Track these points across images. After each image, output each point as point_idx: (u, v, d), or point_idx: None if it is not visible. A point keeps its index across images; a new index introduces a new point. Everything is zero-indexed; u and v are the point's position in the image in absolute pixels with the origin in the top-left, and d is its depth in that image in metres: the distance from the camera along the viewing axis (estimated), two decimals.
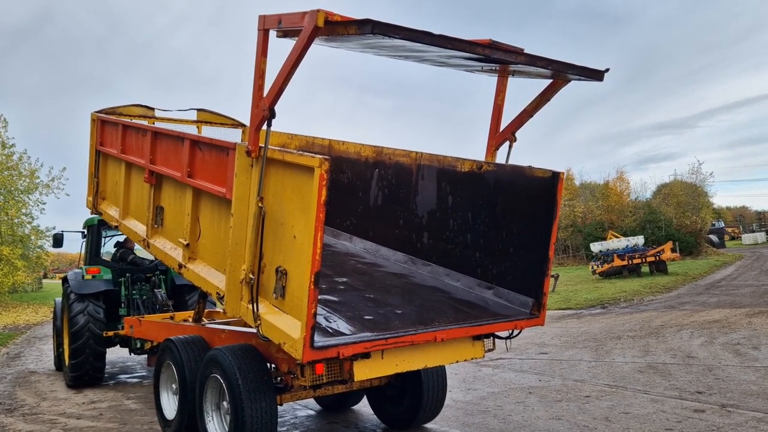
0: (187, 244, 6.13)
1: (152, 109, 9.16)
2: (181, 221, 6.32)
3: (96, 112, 8.81)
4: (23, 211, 30.81)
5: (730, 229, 72.60)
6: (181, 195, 6.38)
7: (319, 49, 4.83)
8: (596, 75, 5.21)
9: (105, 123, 8.60)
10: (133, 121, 8.61)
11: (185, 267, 6.17)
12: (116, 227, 8.29)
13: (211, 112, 9.81)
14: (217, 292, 5.52)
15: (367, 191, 7.47)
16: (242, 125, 9.89)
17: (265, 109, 4.72)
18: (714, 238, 55.28)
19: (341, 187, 7.69)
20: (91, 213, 9.60)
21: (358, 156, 7.54)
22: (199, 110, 9.62)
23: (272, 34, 4.77)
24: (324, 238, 4.37)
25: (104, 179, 8.71)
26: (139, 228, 7.41)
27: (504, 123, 6.17)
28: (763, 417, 6.41)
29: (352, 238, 7.62)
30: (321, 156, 4.27)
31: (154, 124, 8.82)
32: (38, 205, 31.75)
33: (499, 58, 4.71)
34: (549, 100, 5.77)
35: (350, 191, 7.63)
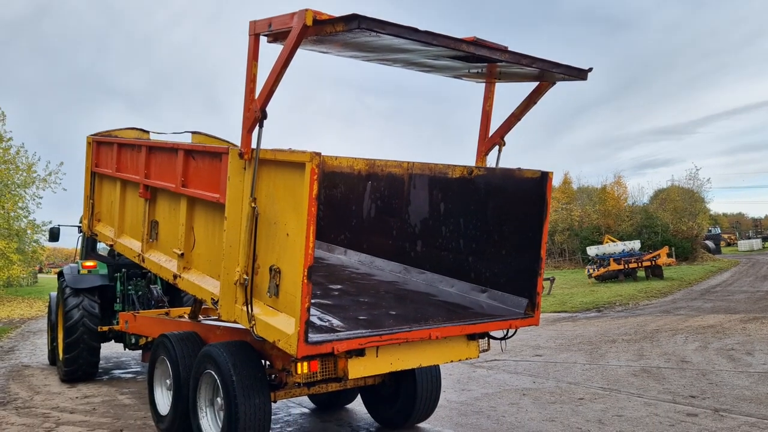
0: (182, 254, 6.18)
1: (147, 132, 9.21)
2: (176, 232, 6.38)
3: (91, 135, 8.98)
4: (20, 204, 30.74)
5: (726, 236, 72.86)
6: (175, 206, 6.46)
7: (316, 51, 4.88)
8: (580, 74, 5.28)
9: (100, 144, 8.75)
10: None
11: (180, 277, 6.21)
12: (111, 246, 8.38)
13: (206, 135, 9.85)
14: (212, 297, 5.55)
15: (360, 204, 7.50)
16: (237, 147, 9.94)
17: (256, 111, 4.81)
18: (710, 244, 55.47)
19: (335, 202, 7.72)
20: (87, 236, 9.71)
21: (350, 170, 7.56)
22: (193, 133, 9.66)
23: (263, 40, 4.84)
24: (318, 251, 4.41)
25: (99, 201, 8.85)
26: (134, 245, 7.50)
27: (493, 128, 6.24)
28: (755, 422, 6.43)
29: (347, 251, 7.67)
30: (312, 151, 4.31)
31: None
32: (35, 199, 31.74)
33: (483, 55, 4.75)
34: (536, 103, 5.85)
35: (344, 205, 7.67)
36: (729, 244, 69.93)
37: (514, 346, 12.26)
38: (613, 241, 36.61)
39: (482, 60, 4.99)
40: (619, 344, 12.17)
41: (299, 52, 4.51)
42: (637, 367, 9.74)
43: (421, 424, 6.73)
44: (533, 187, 5.61)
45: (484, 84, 6.27)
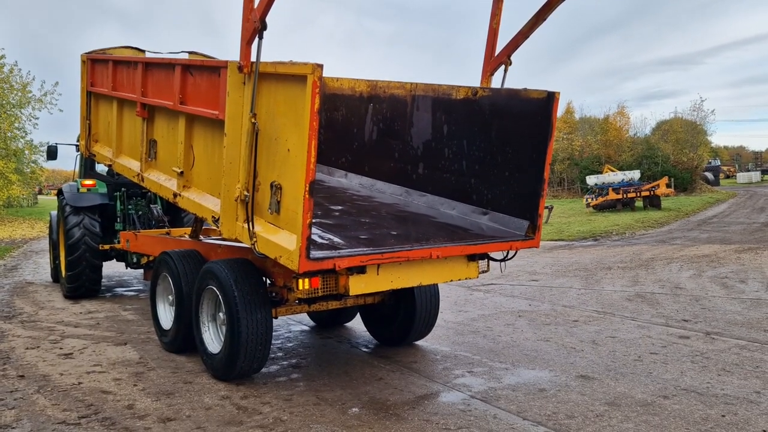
0: (181, 173, 6.14)
1: (143, 51, 8.97)
2: (175, 151, 6.32)
3: (85, 53, 8.74)
4: (16, 125, 30.37)
5: (725, 168, 72.91)
6: (174, 125, 6.37)
7: None
8: None
9: (95, 62, 8.52)
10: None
11: (180, 195, 6.19)
12: (110, 166, 8.32)
13: (203, 55, 9.62)
14: (213, 216, 5.54)
15: (362, 127, 7.38)
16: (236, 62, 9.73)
17: (256, 21, 4.62)
18: (709, 175, 55.59)
19: (336, 125, 7.59)
20: (85, 156, 9.64)
21: (352, 92, 7.38)
22: (190, 53, 9.42)
23: None
24: (318, 174, 4.34)
25: (96, 121, 8.70)
26: (133, 164, 7.44)
27: (499, 48, 6.08)
28: (745, 345, 6.58)
29: (348, 174, 7.61)
30: (313, 63, 4.19)
31: None
32: (31, 120, 31.33)
33: None
34: (545, 19, 5.67)
35: (345, 128, 7.54)
36: (728, 177, 70.04)
37: (510, 272, 12.43)
38: (613, 171, 36.57)
39: None
40: (614, 271, 12.34)
41: None
42: (631, 292, 9.90)
43: (419, 342, 6.88)
44: (539, 108, 5.52)
45: (491, 0, 6.06)
